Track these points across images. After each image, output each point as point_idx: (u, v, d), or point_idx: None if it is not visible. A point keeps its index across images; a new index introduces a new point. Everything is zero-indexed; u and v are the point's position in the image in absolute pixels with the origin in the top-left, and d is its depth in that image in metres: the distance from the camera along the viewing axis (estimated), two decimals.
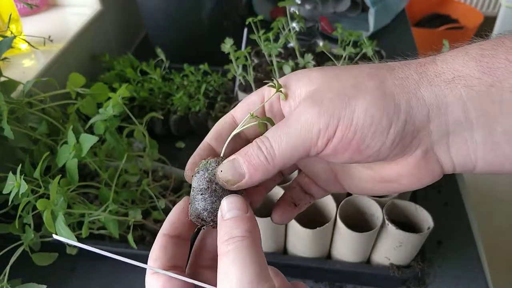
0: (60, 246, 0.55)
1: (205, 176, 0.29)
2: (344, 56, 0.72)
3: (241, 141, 0.32)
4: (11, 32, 0.69)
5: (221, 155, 0.31)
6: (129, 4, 1.03)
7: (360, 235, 0.51)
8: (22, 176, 0.46)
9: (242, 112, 0.32)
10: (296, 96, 0.30)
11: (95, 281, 0.61)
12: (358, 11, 1.20)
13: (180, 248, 0.30)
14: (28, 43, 0.72)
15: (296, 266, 0.57)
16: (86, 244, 0.28)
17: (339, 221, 0.52)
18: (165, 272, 0.28)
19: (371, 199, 0.54)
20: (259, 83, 0.73)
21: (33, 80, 0.56)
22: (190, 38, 0.95)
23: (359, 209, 0.56)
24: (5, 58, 0.61)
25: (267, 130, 0.32)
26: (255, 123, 0.30)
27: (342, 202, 0.54)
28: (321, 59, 0.80)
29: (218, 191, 0.29)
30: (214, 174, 0.29)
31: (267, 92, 0.32)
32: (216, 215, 0.29)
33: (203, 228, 0.31)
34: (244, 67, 0.73)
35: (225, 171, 0.28)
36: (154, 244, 0.30)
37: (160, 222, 0.61)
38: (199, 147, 0.32)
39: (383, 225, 0.52)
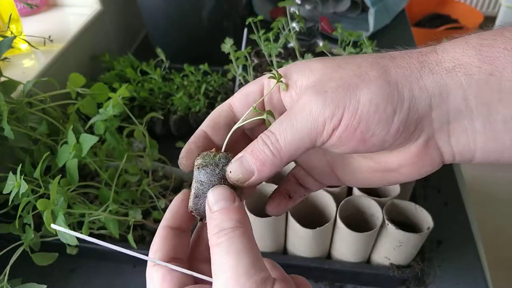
0: (60, 246, 0.55)
1: (217, 172, 0.29)
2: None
3: (238, 132, 0.32)
4: (11, 32, 0.69)
5: (223, 149, 0.31)
6: (129, 4, 1.03)
7: (360, 235, 0.51)
8: (22, 176, 0.46)
9: (240, 102, 0.32)
10: (297, 87, 0.29)
11: (95, 281, 0.61)
12: (358, 11, 1.20)
13: (180, 240, 0.30)
14: (28, 43, 0.72)
15: (296, 266, 0.57)
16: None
17: (339, 221, 0.52)
18: (165, 263, 0.28)
19: (371, 199, 0.54)
20: None
21: (33, 80, 0.56)
22: (190, 38, 0.95)
23: (359, 209, 0.56)
24: (5, 58, 0.61)
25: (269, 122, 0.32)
26: (257, 118, 0.30)
27: (342, 202, 0.54)
28: None
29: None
30: (225, 172, 0.29)
31: (266, 82, 0.32)
32: None
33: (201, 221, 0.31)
34: (244, 67, 0.73)
35: (234, 171, 0.28)
36: (155, 236, 0.30)
37: (160, 222, 0.61)
38: (194, 135, 0.32)
39: (383, 225, 0.52)
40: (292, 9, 0.80)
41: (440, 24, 2.42)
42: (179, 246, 0.30)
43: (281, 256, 0.59)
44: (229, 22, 0.95)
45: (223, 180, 0.29)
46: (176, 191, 0.66)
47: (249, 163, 0.28)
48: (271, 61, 0.73)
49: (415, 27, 2.38)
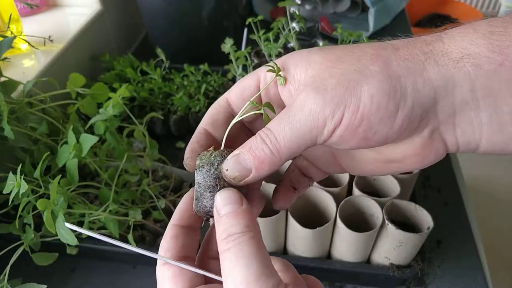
0: (60, 246, 0.55)
1: (211, 172, 0.29)
2: None
3: (238, 126, 0.32)
4: (11, 32, 0.69)
5: (222, 146, 0.30)
6: (129, 4, 1.03)
7: (360, 235, 0.51)
8: (22, 176, 0.46)
9: (237, 96, 0.31)
10: (295, 81, 0.28)
11: (95, 281, 0.61)
12: (358, 11, 1.20)
13: (190, 238, 0.30)
14: (28, 43, 0.72)
15: (296, 266, 0.56)
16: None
17: (339, 221, 0.52)
18: (176, 263, 0.28)
19: (371, 199, 0.54)
20: None
21: (33, 80, 0.56)
22: (190, 38, 0.95)
23: (359, 209, 0.56)
24: (5, 58, 0.61)
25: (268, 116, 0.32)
26: (255, 112, 0.29)
27: (342, 202, 0.54)
28: None
29: (226, 187, 0.29)
30: (221, 170, 0.29)
31: (263, 75, 0.31)
32: None
33: (208, 222, 0.31)
34: (244, 67, 0.73)
35: (231, 168, 0.28)
36: (164, 234, 0.30)
37: (160, 222, 0.61)
38: (195, 134, 0.31)
39: (383, 225, 0.52)
40: (292, 9, 0.80)
41: (440, 24, 2.41)
42: (189, 244, 0.30)
43: (281, 256, 0.59)
44: (229, 22, 0.95)
45: (218, 180, 0.28)
46: (176, 191, 0.66)
47: (246, 161, 0.27)
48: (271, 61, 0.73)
49: (415, 27, 2.38)
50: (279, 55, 0.82)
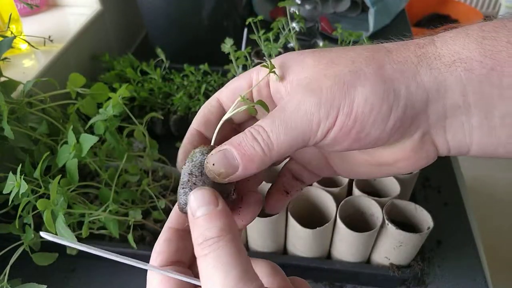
0: (60, 246, 0.55)
1: (186, 167, 0.27)
2: None
3: (229, 126, 0.32)
4: (11, 32, 0.69)
5: (212, 143, 0.29)
6: (129, 4, 1.03)
7: (360, 235, 0.51)
8: (22, 176, 0.46)
9: (228, 97, 0.31)
10: (287, 83, 0.28)
11: (95, 281, 0.61)
12: (358, 11, 1.20)
13: (183, 243, 0.29)
14: (28, 43, 0.72)
15: (296, 266, 0.57)
16: (86, 244, 0.28)
17: (339, 221, 0.52)
18: (162, 271, 0.27)
19: (371, 199, 0.54)
20: None
21: (33, 80, 0.56)
22: (190, 38, 0.95)
23: (359, 209, 0.56)
24: (5, 58, 0.61)
25: (257, 114, 0.31)
26: (245, 107, 0.29)
27: (342, 202, 0.54)
28: None
29: (198, 184, 0.27)
30: (197, 166, 0.27)
31: (255, 76, 0.30)
32: None
33: None
34: (244, 67, 0.73)
35: (217, 163, 0.26)
36: (159, 236, 0.29)
37: (160, 222, 0.61)
38: (187, 135, 0.31)
39: (383, 225, 0.52)
40: (292, 9, 0.80)
41: (440, 24, 2.41)
42: (183, 249, 0.29)
43: (281, 256, 0.59)
44: (229, 22, 0.95)
45: (190, 176, 0.27)
46: (176, 191, 0.66)
47: (233, 157, 0.26)
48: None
49: (415, 27, 2.38)
50: (279, 55, 0.82)
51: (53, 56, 0.76)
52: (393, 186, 0.58)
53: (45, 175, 0.52)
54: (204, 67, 0.84)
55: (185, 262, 0.29)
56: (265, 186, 0.35)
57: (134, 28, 1.11)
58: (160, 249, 0.29)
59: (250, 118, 0.32)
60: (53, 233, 0.29)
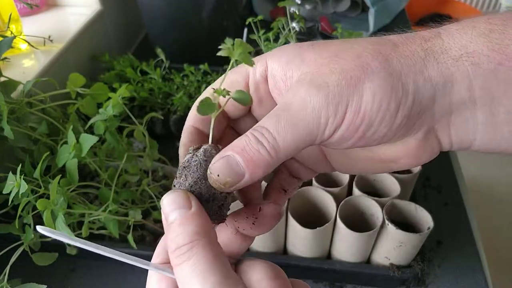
0: (60, 246, 0.55)
1: (183, 175, 0.26)
2: None
3: (225, 126, 0.31)
4: (11, 32, 0.69)
5: (210, 142, 0.27)
6: (129, 4, 1.03)
7: (360, 235, 0.51)
8: (22, 176, 0.46)
9: None
10: (287, 79, 0.27)
11: (94, 281, 0.61)
12: (358, 11, 1.20)
13: None
14: (28, 43, 0.72)
15: (296, 266, 0.57)
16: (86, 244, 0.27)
17: (339, 221, 0.52)
18: (160, 271, 0.26)
19: (371, 199, 0.54)
20: None
21: (33, 80, 0.56)
22: (190, 38, 0.94)
23: (359, 209, 0.56)
24: (5, 58, 0.61)
25: (253, 109, 0.29)
26: (230, 97, 0.27)
27: (342, 202, 0.54)
28: None
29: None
30: (208, 175, 0.25)
31: (252, 70, 0.29)
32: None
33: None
34: None
35: (222, 174, 0.24)
36: (163, 237, 0.28)
37: (160, 222, 0.61)
38: (185, 134, 0.29)
39: (383, 225, 0.52)
40: (292, 9, 0.80)
41: (441, 24, 2.41)
42: None
43: (281, 256, 0.59)
44: (229, 22, 0.95)
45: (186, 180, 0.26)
46: None
47: (238, 164, 0.24)
48: None
49: (415, 27, 2.37)
50: None
51: (53, 56, 0.76)
52: (393, 186, 0.58)
53: (45, 175, 0.52)
54: (204, 67, 0.84)
55: None
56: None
57: (134, 28, 1.11)
58: (163, 248, 0.28)
59: (247, 114, 0.31)
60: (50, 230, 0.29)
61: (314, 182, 0.57)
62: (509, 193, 1.76)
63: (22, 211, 0.49)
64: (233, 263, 0.29)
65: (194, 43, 0.95)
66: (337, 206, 0.53)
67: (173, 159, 0.70)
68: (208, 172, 0.25)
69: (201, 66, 0.85)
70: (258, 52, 0.85)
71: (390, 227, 0.51)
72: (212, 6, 0.90)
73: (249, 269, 0.26)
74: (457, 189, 0.73)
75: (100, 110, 0.55)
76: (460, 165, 0.78)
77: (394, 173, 0.58)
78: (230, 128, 0.31)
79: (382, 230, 0.53)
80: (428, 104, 0.25)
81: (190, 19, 0.92)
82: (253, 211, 0.28)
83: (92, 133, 0.53)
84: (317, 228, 0.52)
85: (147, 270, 0.28)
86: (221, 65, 0.81)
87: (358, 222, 0.54)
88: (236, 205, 0.30)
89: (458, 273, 0.61)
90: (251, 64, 0.27)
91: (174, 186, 0.27)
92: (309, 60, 0.26)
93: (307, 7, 0.98)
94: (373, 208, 0.54)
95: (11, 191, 0.46)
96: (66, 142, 0.52)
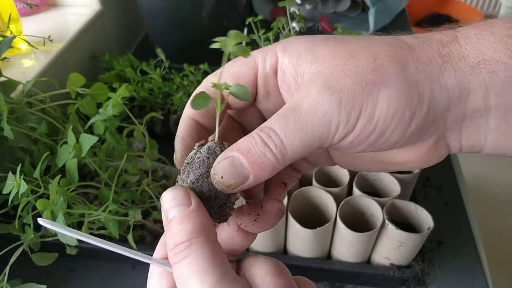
0: (60, 246, 0.55)
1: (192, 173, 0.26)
2: None
3: (228, 119, 0.30)
4: (11, 32, 0.69)
5: (216, 138, 0.26)
6: (129, 4, 1.03)
7: (360, 235, 0.51)
8: (22, 176, 0.46)
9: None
10: (297, 75, 0.26)
11: (94, 281, 0.61)
12: (358, 11, 1.20)
13: None
14: (28, 43, 0.72)
15: (296, 266, 0.57)
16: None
17: (339, 221, 0.52)
18: (161, 265, 0.26)
19: (371, 199, 0.54)
20: None
21: (33, 80, 0.56)
22: (190, 38, 0.94)
23: (359, 209, 0.56)
24: (5, 58, 0.61)
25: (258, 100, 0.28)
26: (228, 92, 0.26)
27: (342, 202, 0.54)
28: None
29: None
30: (211, 176, 0.25)
31: (261, 61, 0.27)
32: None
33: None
34: None
35: (226, 175, 0.24)
36: (164, 234, 0.28)
37: (160, 222, 0.61)
38: (183, 127, 0.28)
39: (383, 225, 0.52)
40: (292, 9, 0.80)
41: (441, 24, 2.41)
42: None
43: (281, 256, 0.59)
44: (229, 22, 0.95)
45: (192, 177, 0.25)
46: None
47: (242, 165, 0.24)
48: None
49: (415, 27, 2.38)
50: None
51: (53, 56, 0.76)
52: (394, 186, 0.57)
53: (44, 175, 0.52)
54: (204, 67, 0.84)
55: None
56: None
57: (134, 28, 1.11)
58: (164, 242, 0.28)
59: (251, 105, 0.30)
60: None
61: (314, 182, 0.57)
62: (509, 193, 1.76)
63: (22, 211, 0.49)
64: (234, 261, 0.29)
65: (194, 43, 0.95)
66: (337, 206, 0.53)
67: (173, 159, 0.70)
68: (212, 172, 0.25)
69: (201, 66, 0.85)
70: None
71: (390, 227, 0.51)
72: (212, 6, 0.90)
73: (252, 265, 0.26)
74: (457, 189, 0.73)
75: (100, 110, 0.55)
76: (460, 165, 0.78)
77: (394, 173, 0.58)
78: (232, 119, 0.31)
79: (382, 230, 0.53)
80: (442, 113, 0.24)
81: (190, 19, 0.92)
82: (255, 208, 0.28)
83: (92, 133, 0.53)
84: (317, 228, 0.52)
85: (147, 270, 0.28)
86: (221, 65, 0.81)
87: (358, 222, 0.54)
88: (238, 201, 0.30)
89: (458, 273, 0.61)
90: (246, 55, 0.25)
91: (177, 182, 0.26)
92: (321, 58, 0.25)
93: (307, 7, 0.98)
94: (373, 208, 0.54)
95: (11, 191, 0.46)
96: (66, 142, 0.52)
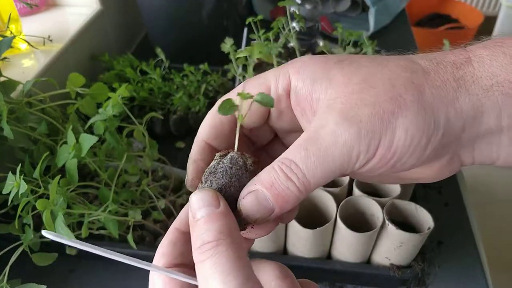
0: (60, 246, 0.55)
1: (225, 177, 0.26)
2: None
3: (240, 131, 0.30)
4: (11, 32, 0.69)
5: (235, 149, 0.27)
6: (129, 4, 1.03)
7: (360, 235, 0.51)
8: (22, 176, 0.46)
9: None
10: (312, 100, 0.26)
11: (94, 281, 0.61)
12: (358, 11, 1.20)
13: (190, 246, 0.27)
14: (28, 43, 0.72)
15: (296, 266, 0.57)
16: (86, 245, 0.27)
17: (339, 221, 0.52)
18: (165, 272, 0.26)
19: (371, 199, 0.54)
20: None
21: (33, 80, 0.56)
22: (190, 38, 0.94)
23: (359, 209, 0.56)
24: (5, 58, 0.61)
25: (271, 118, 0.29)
26: (253, 99, 0.26)
27: (342, 202, 0.54)
28: None
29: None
30: (239, 210, 0.26)
31: (274, 83, 0.28)
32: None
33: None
34: (244, 67, 0.73)
35: (251, 212, 0.25)
36: (164, 237, 0.28)
37: (160, 222, 0.61)
38: (196, 149, 0.29)
39: (383, 225, 0.52)
40: (292, 9, 0.80)
41: (441, 24, 2.42)
42: (187, 252, 0.27)
43: (281, 256, 0.59)
44: (229, 22, 0.95)
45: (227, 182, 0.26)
46: (176, 191, 0.66)
47: (266, 199, 0.25)
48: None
49: (415, 27, 2.38)
50: (279, 54, 0.82)
51: (53, 56, 0.76)
52: (394, 186, 0.57)
53: (44, 175, 0.52)
54: (204, 67, 0.84)
55: (190, 264, 0.28)
56: None
57: (134, 28, 1.11)
58: (164, 250, 0.28)
59: (263, 124, 0.30)
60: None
61: None
62: (510, 193, 1.76)
63: (21, 211, 0.49)
64: None
65: (194, 43, 0.95)
66: (337, 206, 0.53)
67: (173, 159, 0.70)
68: (238, 208, 0.26)
69: (201, 66, 0.85)
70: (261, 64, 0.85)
71: (391, 227, 0.51)
72: (212, 6, 0.90)
73: (257, 269, 0.26)
74: (457, 189, 0.73)
75: (100, 110, 0.55)
76: None
77: None
78: (244, 137, 0.31)
79: (383, 230, 0.53)
80: (456, 135, 0.25)
81: (190, 19, 0.92)
82: None
83: (92, 133, 0.53)
84: (317, 228, 0.52)
85: (146, 271, 0.28)
86: (221, 65, 0.81)
87: (358, 222, 0.54)
88: None
89: (459, 273, 0.61)
90: (270, 59, 0.27)
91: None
92: (336, 83, 0.26)
93: (307, 6, 0.98)
94: (373, 208, 0.54)
95: (10, 191, 0.46)
96: (65, 142, 0.52)
